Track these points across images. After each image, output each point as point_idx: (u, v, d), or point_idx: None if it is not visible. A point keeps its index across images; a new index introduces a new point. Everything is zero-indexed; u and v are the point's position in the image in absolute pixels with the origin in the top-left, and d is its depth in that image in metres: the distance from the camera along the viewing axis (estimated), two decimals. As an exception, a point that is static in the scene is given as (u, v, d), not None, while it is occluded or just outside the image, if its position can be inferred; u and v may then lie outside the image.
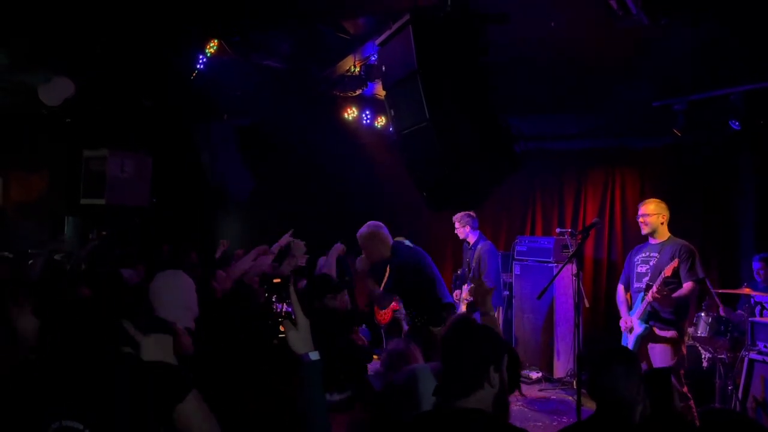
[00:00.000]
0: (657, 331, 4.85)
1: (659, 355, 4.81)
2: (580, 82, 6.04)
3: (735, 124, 5.85)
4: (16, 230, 7.56)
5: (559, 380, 6.97)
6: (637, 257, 5.14)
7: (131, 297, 3.26)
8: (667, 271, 4.70)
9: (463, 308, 6.53)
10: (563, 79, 5.96)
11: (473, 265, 6.46)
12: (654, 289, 4.73)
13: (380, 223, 5.06)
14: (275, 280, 1.95)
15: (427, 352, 3.71)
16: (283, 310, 1.94)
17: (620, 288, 5.28)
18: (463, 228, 6.67)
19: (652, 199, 5.14)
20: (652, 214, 5.02)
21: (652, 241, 5.09)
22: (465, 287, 6.45)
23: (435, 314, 4.93)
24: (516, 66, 5.36)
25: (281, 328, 1.93)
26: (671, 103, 6.11)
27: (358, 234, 5.03)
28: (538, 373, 7.05)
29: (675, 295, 4.74)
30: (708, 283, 5.33)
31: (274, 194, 8.32)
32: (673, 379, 4.60)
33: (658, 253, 4.96)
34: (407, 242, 5.24)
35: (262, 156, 7.68)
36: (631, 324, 4.97)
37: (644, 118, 6.64)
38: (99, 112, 6.77)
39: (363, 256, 5.10)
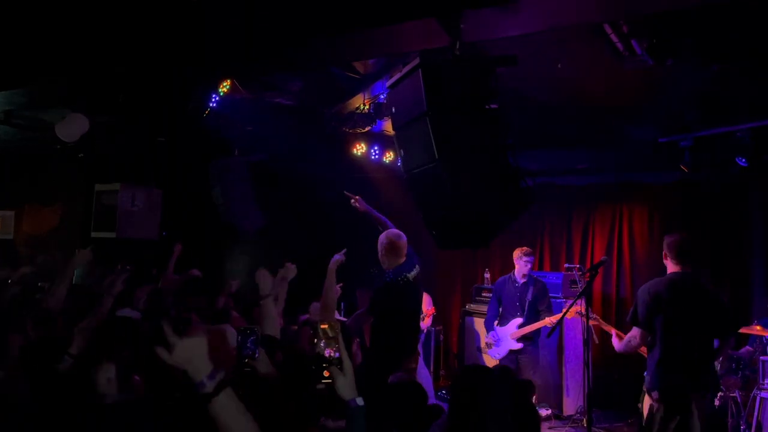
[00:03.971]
0: None
1: None
2: (587, 119, 6.09)
3: (742, 161, 5.88)
4: (27, 263, 7.61)
5: (569, 418, 6.89)
6: None
7: None
8: None
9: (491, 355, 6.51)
10: (571, 116, 6.02)
11: (529, 299, 6.42)
12: None
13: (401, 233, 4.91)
14: (322, 326, 1.98)
15: None
16: (332, 355, 1.97)
17: None
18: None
19: None
20: None
21: None
22: (514, 321, 6.43)
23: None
24: (524, 104, 5.43)
25: (326, 374, 1.97)
26: (677, 139, 6.15)
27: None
28: (547, 410, 6.95)
29: None
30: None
31: (283, 229, 8.35)
32: None
33: None
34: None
35: (272, 191, 7.74)
36: None
37: (652, 154, 6.68)
38: (112, 148, 6.86)
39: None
